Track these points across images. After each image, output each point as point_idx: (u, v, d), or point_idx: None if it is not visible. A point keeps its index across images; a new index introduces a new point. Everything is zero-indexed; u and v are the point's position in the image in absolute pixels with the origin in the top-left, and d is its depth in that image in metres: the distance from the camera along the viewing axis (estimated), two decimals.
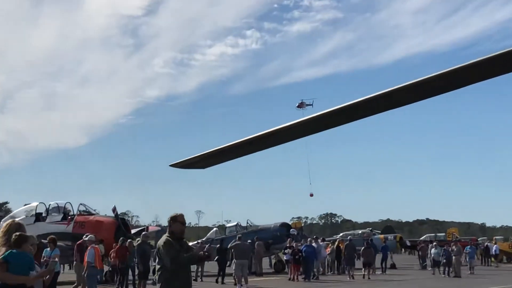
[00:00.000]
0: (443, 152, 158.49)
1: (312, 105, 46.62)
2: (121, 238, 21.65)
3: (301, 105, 46.39)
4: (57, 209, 27.67)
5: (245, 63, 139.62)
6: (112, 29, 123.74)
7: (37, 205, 28.07)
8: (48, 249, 15.82)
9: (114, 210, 26.79)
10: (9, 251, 7.18)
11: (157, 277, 7.64)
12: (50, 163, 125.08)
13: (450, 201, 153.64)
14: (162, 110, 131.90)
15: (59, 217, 27.15)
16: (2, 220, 26.15)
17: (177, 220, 7.57)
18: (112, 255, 21.87)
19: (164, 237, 7.52)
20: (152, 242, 26.56)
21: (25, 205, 30.05)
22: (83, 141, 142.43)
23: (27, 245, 7.42)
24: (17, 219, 24.30)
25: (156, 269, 7.61)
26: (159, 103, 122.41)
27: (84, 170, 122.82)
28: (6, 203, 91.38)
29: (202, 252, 9.22)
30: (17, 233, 7.33)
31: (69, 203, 28.03)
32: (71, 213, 27.36)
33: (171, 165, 4.20)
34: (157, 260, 7.47)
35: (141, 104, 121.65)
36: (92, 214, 27.43)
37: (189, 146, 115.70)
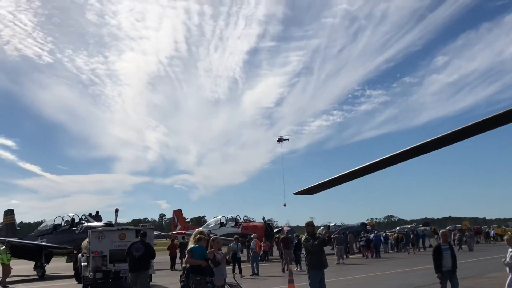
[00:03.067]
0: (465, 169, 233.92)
1: (288, 139, 51.47)
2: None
3: (280, 140, 50.49)
4: (232, 219, 39.54)
5: (334, 130, 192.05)
6: (257, 115, 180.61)
7: (221, 217, 40.44)
8: (233, 243, 22.90)
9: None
10: (193, 245, 9.76)
11: (305, 259, 10.82)
12: (226, 192, 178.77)
13: (463, 202, 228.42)
14: (287, 159, 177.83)
15: (233, 223, 38.97)
16: (197, 228, 40.96)
17: (308, 225, 10.71)
18: (263, 245, 32.55)
19: (304, 235, 10.81)
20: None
21: (214, 217, 42.55)
22: (243, 179, 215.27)
23: (202, 242, 10.04)
24: (200, 228, 42.16)
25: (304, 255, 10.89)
26: (285, 155, 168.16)
27: (244, 197, 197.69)
28: (204, 216, 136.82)
29: (327, 237, 10.98)
30: (197, 235, 10.07)
31: (239, 215, 39.89)
32: (239, 220, 38.81)
33: (295, 193, 5.44)
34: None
35: (274, 157, 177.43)
36: (251, 221, 38.72)
37: (301, 180, 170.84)
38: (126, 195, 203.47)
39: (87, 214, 30.27)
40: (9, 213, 36.62)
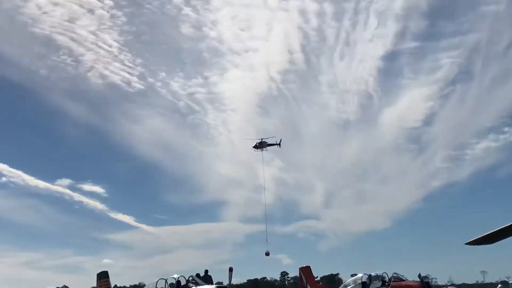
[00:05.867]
0: None
1: (278, 144, 39.45)
2: None
3: (258, 146, 39.44)
4: (377, 277, 34.36)
5: (507, 152, 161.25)
6: (400, 139, 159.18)
7: (362, 275, 35.15)
8: None
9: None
10: None
11: None
12: (365, 242, 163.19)
13: None
14: (443, 195, 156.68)
15: (379, 283, 33.81)
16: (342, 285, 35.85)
17: None
18: None
19: None
20: None
21: (353, 275, 37.91)
22: (387, 224, 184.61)
23: None
24: (349, 286, 34.29)
25: None
26: (440, 191, 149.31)
27: (391, 247, 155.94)
28: (337, 274, 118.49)
29: None
30: None
31: (385, 273, 34.41)
32: (387, 279, 33.80)
33: (467, 243, 4.94)
34: None
35: (427, 192, 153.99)
36: (403, 280, 33.37)
37: (469, 225, 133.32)
38: (238, 248, 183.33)
39: (195, 275, 27.40)
40: (104, 276, 33.53)
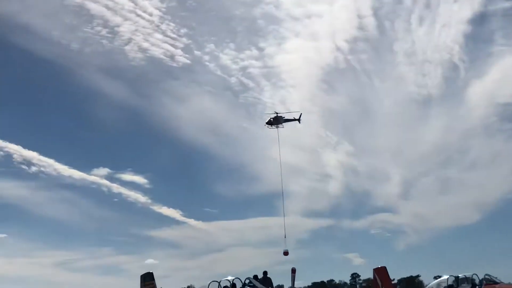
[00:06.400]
0: None
1: (297, 119, 35.49)
2: None
3: (274, 122, 34.78)
4: (465, 279, 31.28)
5: None
6: (492, 117, 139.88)
7: (447, 277, 32.41)
8: None
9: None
10: None
11: None
12: (450, 238, 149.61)
13: None
14: None
15: (468, 287, 30.65)
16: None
17: None
18: None
19: None
20: None
21: (436, 277, 34.58)
22: (475, 217, 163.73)
23: None
24: None
25: None
26: None
27: (480, 244, 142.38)
28: (418, 276, 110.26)
29: None
30: None
31: (475, 274, 31.42)
32: (477, 282, 30.50)
33: None
34: None
35: None
36: (497, 283, 30.07)
37: None
38: (300, 246, 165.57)
39: (252, 277, 26.50)
40: (148, 278, 32.02)
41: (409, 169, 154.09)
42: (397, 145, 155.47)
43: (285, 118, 37.24)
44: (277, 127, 37.00)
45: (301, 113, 37.88)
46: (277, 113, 36.87)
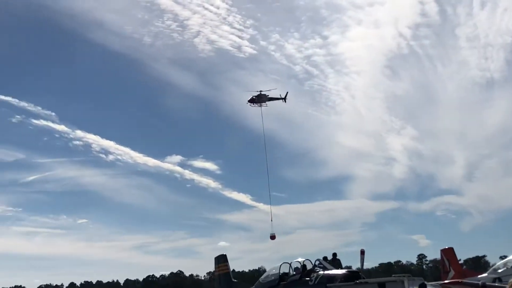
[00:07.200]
0: None
1: (283, 99, 33.49)
2: None
3: (254, 100, 32.36)
4: None
5: None
6: None
7: None
8: None
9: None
10: None
11: None
12: None
13: None
14: None
15: None
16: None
17: None
18: None
19: None
20: None
21: (502, 257, 34.13)
22: None
23: None
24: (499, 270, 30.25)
25: None
26: None
27: None
28: (484, 256, 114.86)
29: None
30: None
31: None
32: None
33: None
34: None
35: None
36: None
37: None
38: (367, 228, 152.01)
39: (321, 258, 26.00)
40: (222, 260, 32.04)
41: (473, 151, 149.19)
42: (461, 128, 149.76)
43: (269, 96, 36.07)
44: (260, 105, 35.64)
45: (287, 92, 36.67)
46: (260, 91, 35.57)
